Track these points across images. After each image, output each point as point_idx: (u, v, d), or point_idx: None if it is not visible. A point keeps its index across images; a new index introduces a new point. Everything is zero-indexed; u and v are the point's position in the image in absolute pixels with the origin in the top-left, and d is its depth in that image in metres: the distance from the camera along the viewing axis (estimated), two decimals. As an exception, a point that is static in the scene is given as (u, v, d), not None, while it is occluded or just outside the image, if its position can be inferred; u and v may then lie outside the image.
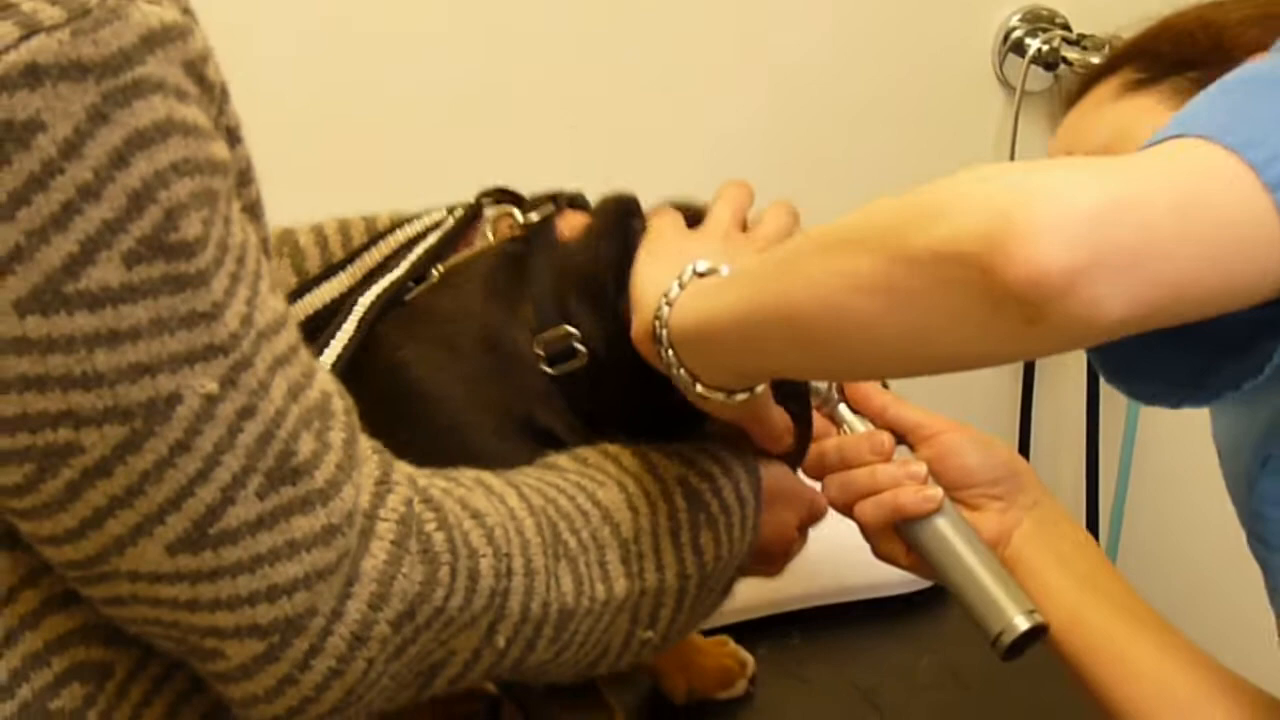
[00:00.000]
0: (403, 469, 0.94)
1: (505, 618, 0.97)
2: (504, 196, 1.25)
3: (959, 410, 2.30)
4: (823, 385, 1.18)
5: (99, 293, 0.76)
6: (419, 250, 1.21)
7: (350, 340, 1.15)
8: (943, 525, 1.13)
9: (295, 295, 1.21)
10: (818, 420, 1.18)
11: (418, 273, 1.19)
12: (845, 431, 1.17)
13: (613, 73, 1.99)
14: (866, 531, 1.17)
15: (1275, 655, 2.43)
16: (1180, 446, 2.43)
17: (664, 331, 0.97)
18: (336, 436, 0.87)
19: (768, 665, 1.44)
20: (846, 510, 1.17)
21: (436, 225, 1.24)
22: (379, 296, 1.17)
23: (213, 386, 0.80)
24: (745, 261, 0.99)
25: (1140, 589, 2.24)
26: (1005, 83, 2.20)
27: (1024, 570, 1.14)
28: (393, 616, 0.89)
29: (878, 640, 1.51)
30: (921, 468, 1.15)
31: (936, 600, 1.55)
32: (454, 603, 0.93)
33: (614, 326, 1.09)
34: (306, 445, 0.84)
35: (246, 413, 0.81)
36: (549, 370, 1.11)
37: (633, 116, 2.00)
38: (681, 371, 0.98)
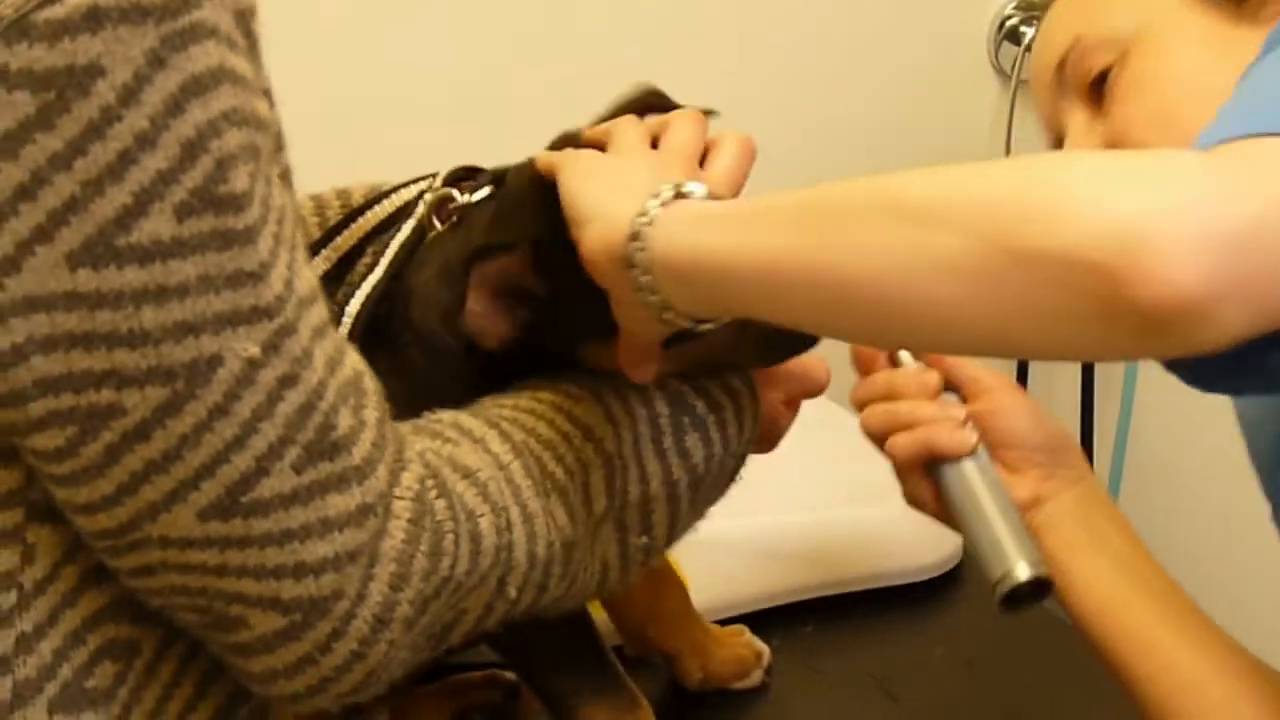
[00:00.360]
0: (410, 440, 0.93)
1: (513, 569, 0.95)
2: (470, 175, 1.21)
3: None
4: None
5: (150, 246, 0.75)
6: (394, 246, 1.16)
7: None
8: (970, 470, 1.11)
9: None
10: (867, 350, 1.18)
11: (397, 270, 1.14)
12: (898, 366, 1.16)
13: (609, 68, 1.98)
14: (897, 467, 1.14)
15: (1271, 645, 2.44)
16: (1174, 437, 2.44)
17: (641, 255, 0.90)
18: (371, 414, 0.86)
19: (782, 655, 1.44)
20: (880, 441, 1.14)
21: (407, 207, 1.19)
22: (363, 304, 1.13)
23: (255, 350, 0.79)
24: (759, 198, 0.92)
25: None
26: (1000, 70, 2.21)
27: (1058, 544, 1.12)
28: (413, 596, 0.87)
29: (892, 630, 1.51)
30: (961, 411, 1.13)
31: (951, 589, 1.55)
32: (460, 568, 0.91)
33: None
34: (345, 420, 0.83)
35: (288, 381, 0.80)
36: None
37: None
38: (653, 296, 0.91)
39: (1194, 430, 2.42)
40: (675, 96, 2.00)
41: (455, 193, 1.15)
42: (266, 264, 0.79)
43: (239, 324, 0.78)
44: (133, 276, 0.75)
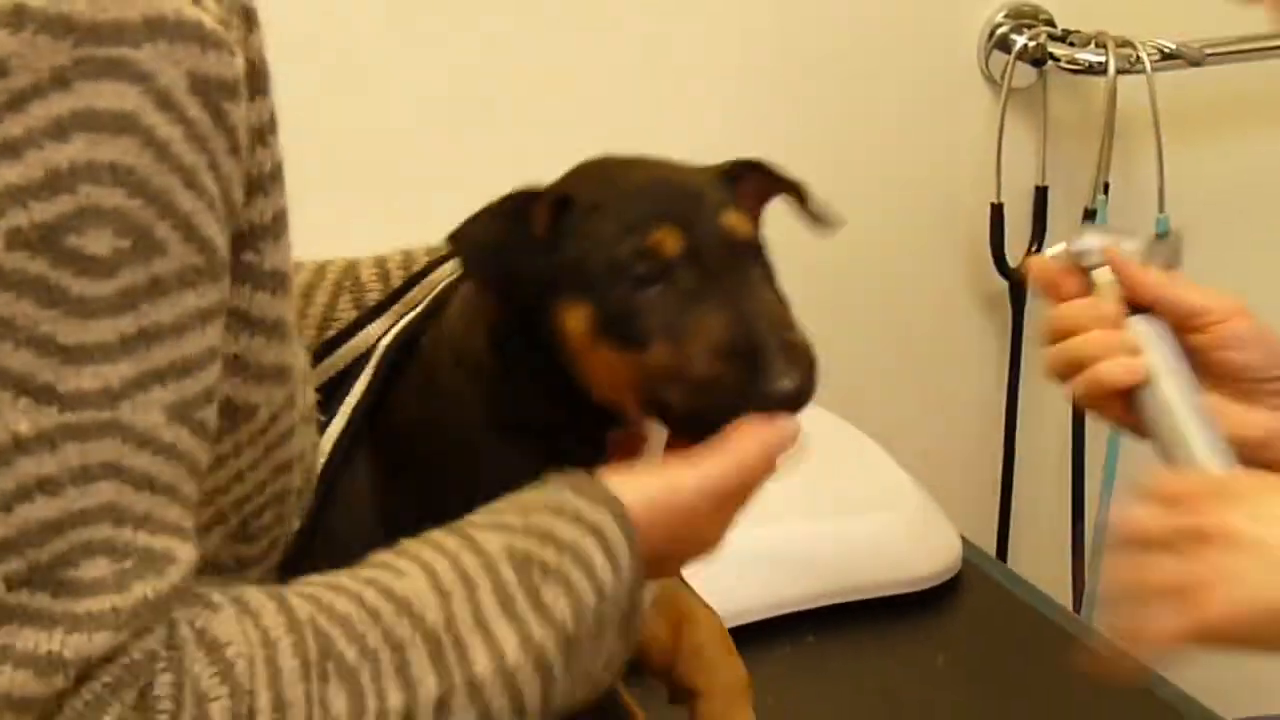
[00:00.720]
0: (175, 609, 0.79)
1: None
2: None
3: (944, 414, 2.31)
4: (1093, 243, 1.12)
5: None
6: (443, 285, 1.14)
7: (369, 384, 1.09)
8: (1152, 397, 1.08)
9: (346, 335, 1.14)
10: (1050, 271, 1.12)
11: (438, 304, 1.12)
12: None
13: (603, 70, 1.99)
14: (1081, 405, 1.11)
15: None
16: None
17: None
18: (142, 589, 0.75)
19: (786, 665, 1.44)
20: (1063, 379, 1.12)
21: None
22: (397, 336, 1.11)
23: (25, 429, 0.71)
24: None
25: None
26: (991, 79, 2.21)
27: None
28: None
29: (894, 639, 1.51)
30: (1130, 338, 1.08)
31: (952, 597, 1.55)
32: None
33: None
34: (95, 570, 0.74)
35: (46, 485, 0.72)
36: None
37: (619, 107, 2.00)
38: None
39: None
40: (664, 105, 2.02)
41: None
42: (87, 352, 0.72)
43: (22, 393, 0.71)
44: None
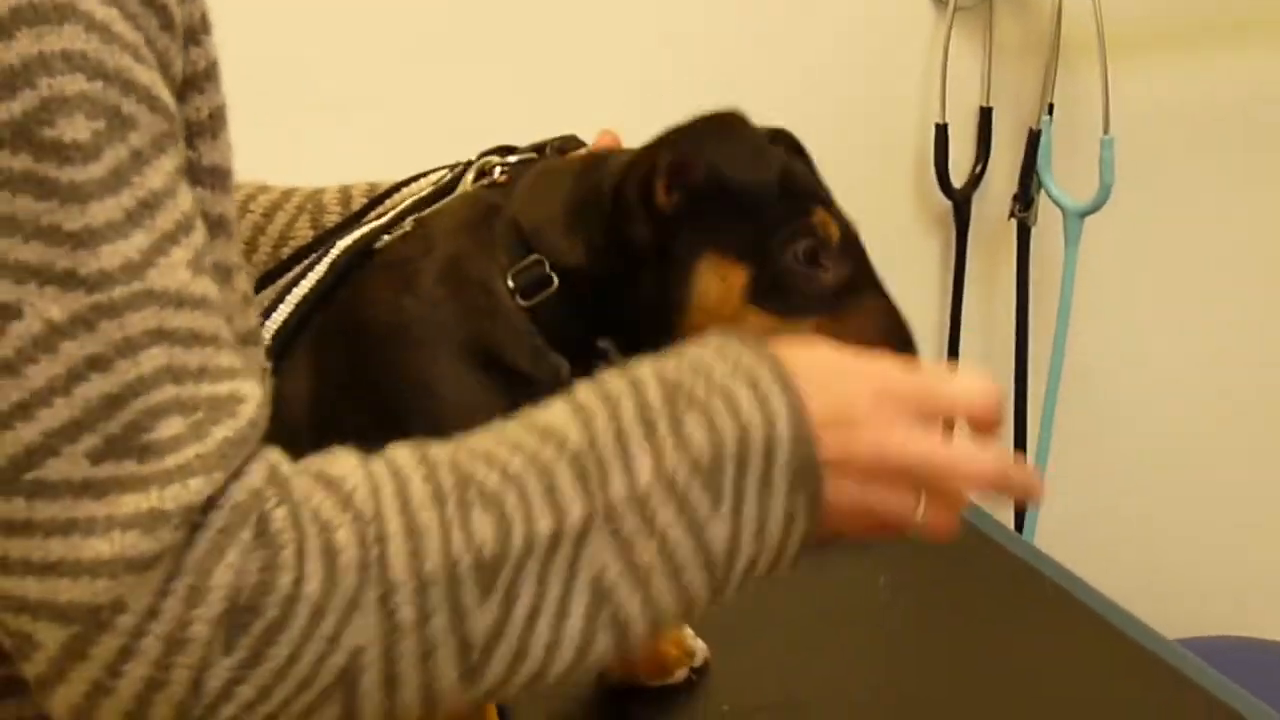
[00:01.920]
0: (266, 454, 0.81)
1: (396, 587, 0.79)
2: (506, 154, 1.21)
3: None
4: None
5: None
6: (407, 202, 1.16)
7: (318, 282, 1.10)
8: None
9: (301, 254, 1.15)
10: None
11: (398, 219, 1.14)
12: None
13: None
14: None
15: (1201, 549, 2.46)
16: (1110, 341, 2.45)
17: None
18: (221, 432, 0.77)
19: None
20: None
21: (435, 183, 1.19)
22: (355, 241, 1.13)
23: (57, 314, 0.73)
24: None
25: (1073, 490, 2.26)
26: (938, -2, 2.20)
27: None
28: (212, 615, 0.76)
29: (835, 559, 1.50)
30: None
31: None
32: (310, 586, 0.77)
33: (588, 244, 1.08)
34: (170, 428, 0.75)
35: (97, 363, 0.74)
36: (522, 302, 1.07)
37: (562, 32, 1.98)
38: None
39: (1131, 333, 2.44)
40: (602, 27, 2.01)
41: (498, 159, 1.16)
42: (98, 233, 0.73)
43: (46, 282, 0.73)
44: None
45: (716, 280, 1.04)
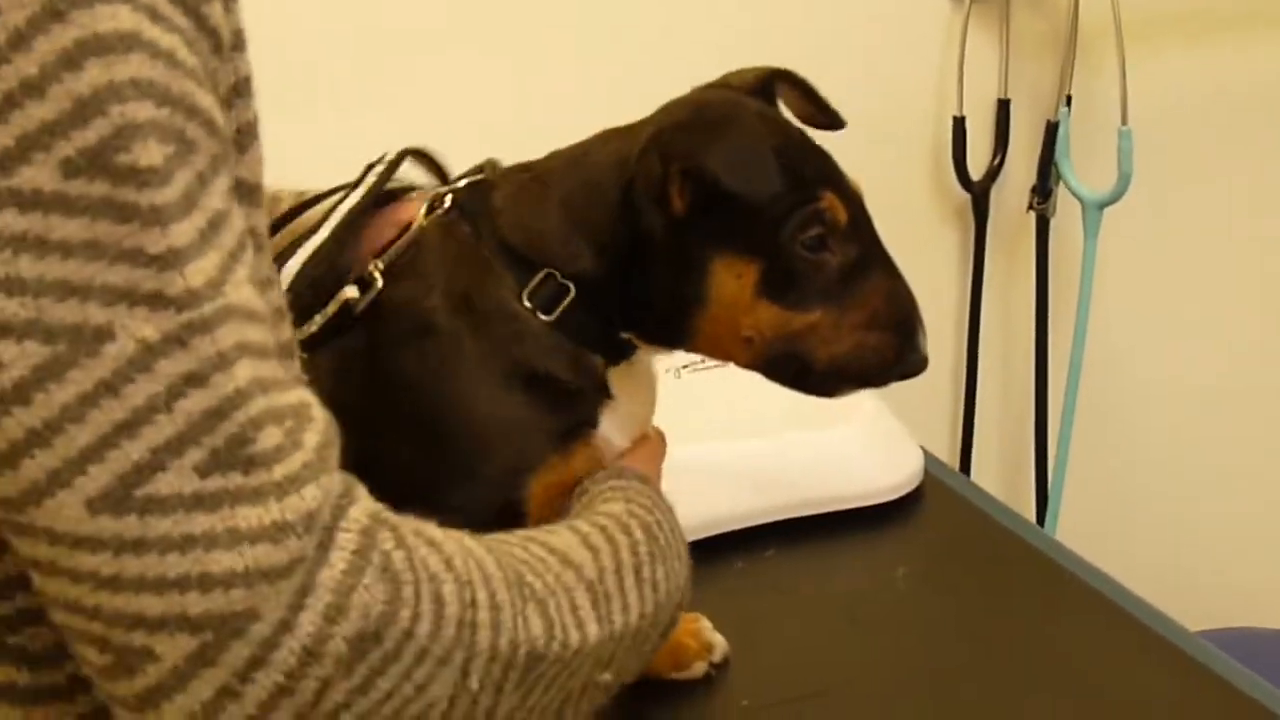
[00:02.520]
0: (363, 490, 0.85)
1: (476, 654, 0.85)
2: (421, 158, 1.20)
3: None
4: None
5: (29, 194, 0.72)
6: (343, 209, 1.14)
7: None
8: None
9: None
10: None
11: (341, 235, 1.13)
12: None
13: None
14: None
15: (1221, 541, 2.45)
16: (1131, 334, 2.44)
17: None
18: (311, 438, 0.80)
19: (745, 579, 1.44)
20: None
21: (357, 185, 1.17)
22: (306, 263, 1.11)
23: (150, 334, 0.74)
24: None
25: (1094, 480, 2.26)
26: (954, -11, 2.20)
27: None
28: (351, 633, 0.79)
29: (854, 552, 1.51)
30: None
31: (911, 511, 1.55)
32: (422, 628, 0.82)
33: (595, 247, 1.09)
34: (271, 438, 0.78)
35: (194, 379, 0.76)
36: (546, 318, 1.09)
37: (585, 17, 1.98)
38: None
39: (1152, 323, 2.44)
40: (625, 14, 2.01)
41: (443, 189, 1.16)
42: (181, 254, 0.75)
43: (136, 304, 0.74)
44: (11, 220, 0.72)
45: (731, 278, 1.05)
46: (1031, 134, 2.28)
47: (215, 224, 0.77)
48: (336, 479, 0.82)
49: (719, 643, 1.34)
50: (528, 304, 1.09)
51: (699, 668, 1.32)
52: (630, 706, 1.30)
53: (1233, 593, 2.49)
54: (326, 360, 1.09)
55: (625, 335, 1.12)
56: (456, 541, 0.88)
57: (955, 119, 2.23)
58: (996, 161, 2.28)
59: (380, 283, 1.11)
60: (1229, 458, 2.54)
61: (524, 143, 1.17)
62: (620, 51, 2.02)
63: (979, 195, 2.28)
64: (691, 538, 1.42)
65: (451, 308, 1.09)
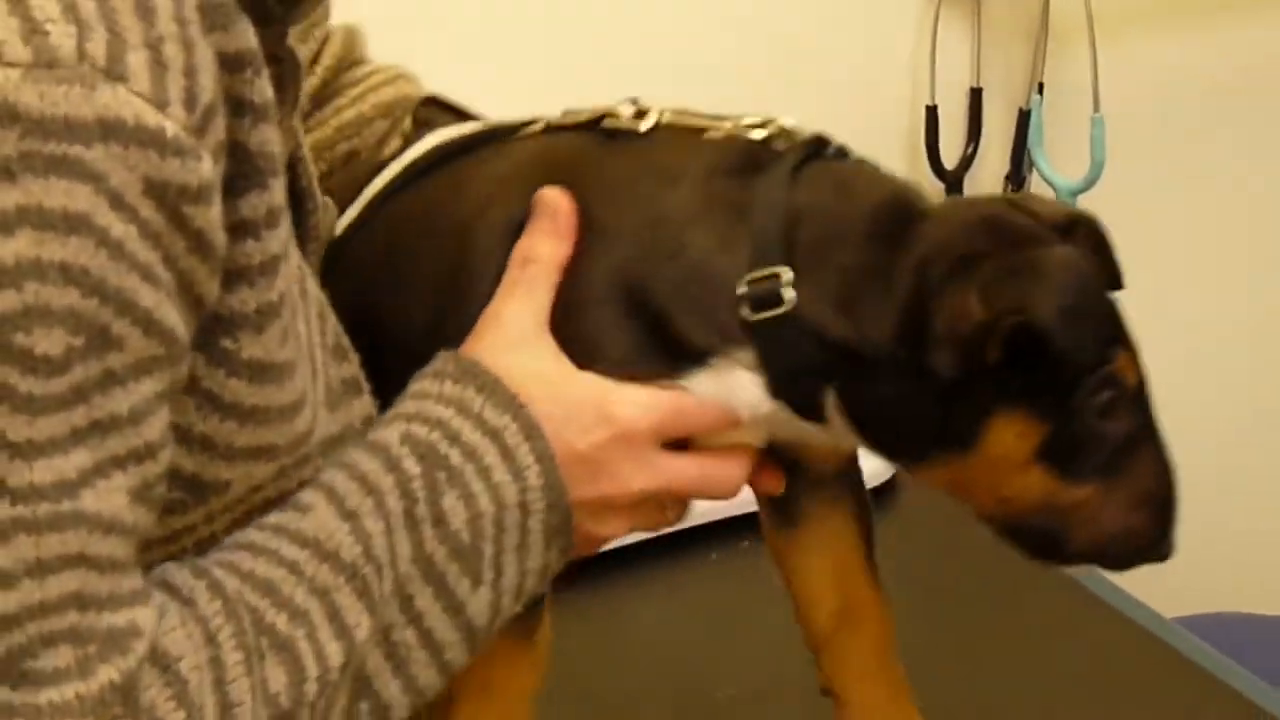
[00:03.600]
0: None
1: None
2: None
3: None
4: None
5: None
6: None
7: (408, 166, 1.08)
8: None
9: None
10: None
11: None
12: None
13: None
14: None
15: (1197, 526, 2.47)
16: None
17: None
18: (108, 673, 0.73)
19: (720, 569, 1.44)
20: None
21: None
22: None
23: None
24: None
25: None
26: (925, -19, 2.20)
27: None
28: None
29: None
30: None
31: (888, 501, 1.55)
32: None
33: (857, 316, 0.94)
34: (58, 659, 0.72)
35: (1, 579, 0.71)
36: (749, 315, 0.94)
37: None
38: None
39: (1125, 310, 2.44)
40: (597, 14, 2.00)
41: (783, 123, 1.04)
42: (38, 447, 0.70)
43: None
44: None
45: (1011, 435, 0.93)
46: (1004, 122, 2.28)
47: (101, 425, 0.72)
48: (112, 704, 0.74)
49: None
50: (742, 290, 0.94)
51: None
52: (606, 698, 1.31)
53: (1209, 577, 2.50)
54: None
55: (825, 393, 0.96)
56: (198, 631, 0.79)
57: (928, 108, 2.23)
58: (970, 150, 2.28)
59: None
60: (1203, 442, 2.54)
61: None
62: (592, 39, 2.02)
63: (953, 184, 2.28)
64: (666, 530, 1.44)
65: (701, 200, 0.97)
